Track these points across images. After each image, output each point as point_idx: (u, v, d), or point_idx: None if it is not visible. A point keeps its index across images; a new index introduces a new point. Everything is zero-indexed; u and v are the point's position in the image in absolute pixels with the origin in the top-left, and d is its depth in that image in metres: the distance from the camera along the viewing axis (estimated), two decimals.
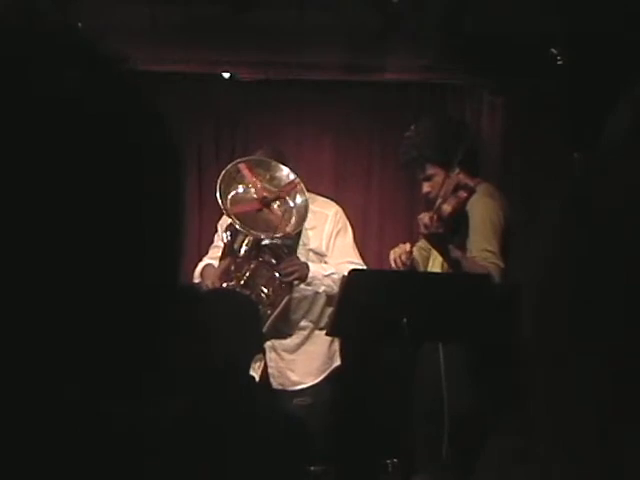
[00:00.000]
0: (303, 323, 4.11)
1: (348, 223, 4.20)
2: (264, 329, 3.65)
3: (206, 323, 2.56)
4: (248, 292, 3.83)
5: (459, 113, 5.04)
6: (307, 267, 3.98)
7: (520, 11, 4.15)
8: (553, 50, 4.28)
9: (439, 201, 3.75)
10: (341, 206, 4.35)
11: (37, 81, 0.63)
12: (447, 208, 3.72)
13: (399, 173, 4.99)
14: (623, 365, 0.64)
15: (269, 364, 4.04)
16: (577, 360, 0.67)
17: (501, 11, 4.22)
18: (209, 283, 3.88)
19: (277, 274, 3.93)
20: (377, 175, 5.20)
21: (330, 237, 4.12)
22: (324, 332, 4.00)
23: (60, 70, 0.64)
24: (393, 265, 3.77)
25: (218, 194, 3.80)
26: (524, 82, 4.46)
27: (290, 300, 4.01)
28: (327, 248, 4.11)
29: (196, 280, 4.05)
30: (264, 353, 3.84)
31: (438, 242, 3.67)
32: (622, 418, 0.65)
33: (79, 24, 3.86)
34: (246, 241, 3.89)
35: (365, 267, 4.13)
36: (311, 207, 3.97)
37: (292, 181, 3.92)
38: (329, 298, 4.06)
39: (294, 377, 4.10)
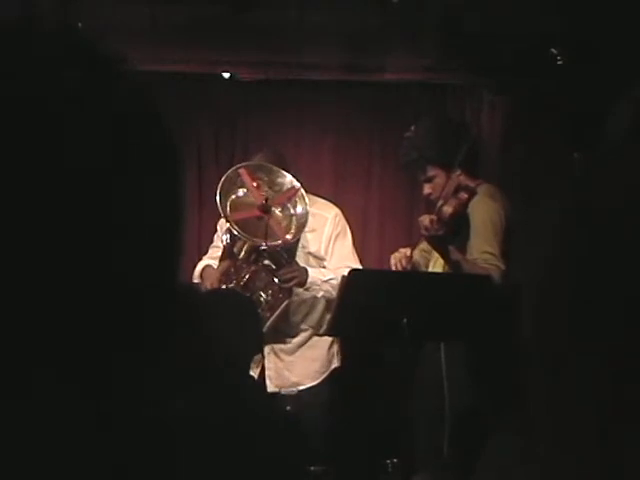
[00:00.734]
0: (302, 326, 4.11)
1: (347, 226, 4.19)
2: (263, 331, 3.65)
3: (206, 323, 2.56)
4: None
5: (459, 113, 5.04)
6: (306, 272, 3.97)
7: (520, 11, 4.15)
8: (553, 50, 4.28)
9: (440, 203, 3.75)
10: (341, 207, 4.35)
11: (37, 81, 0.63)
12: (448, 210, 3.72)
13: (399, 173, 4.99)
14: (623, 365, 0.64)
15: (267, 365, 4.03)
16: (577, 360, 0.67)
17: (501, 11, 4.22)
18: (208, 284, 3.87)
19: (276, 280, 3.92)
20: (377, 175, 5.19)
21: (329, 240, 4.10)
22: (323, 335, 4.01)
23: (60, 70, 0.64)
24: (394, 269, 3.78)
25: (218, 200, 3.78)
26: (524, 82, 4.46)
27: (289, 304, 4.00)
28: (326, 252, 4.10)
29: (195, 281, 4.04)
30: (262, 355, 3.85)
31: (439, 244, 3.66)
32: (622, 418, 0.65)
33: (79, 24, 3.86)
34: (246, 245, 3.88)
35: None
36: (311, 209, 3.96)
37: (293, 188, 3.90)
38: (328, 303, 4.05)
39: (292, 378, 4.09)
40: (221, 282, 3.86)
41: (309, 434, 3.83)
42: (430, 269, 3.92)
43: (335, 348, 4.18)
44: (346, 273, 3.91)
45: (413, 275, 3.75)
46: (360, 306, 3.47)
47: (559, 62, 4.29)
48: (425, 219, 3.66)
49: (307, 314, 4.09)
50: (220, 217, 4.11)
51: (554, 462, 0.68)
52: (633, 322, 0.63)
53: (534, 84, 4.42)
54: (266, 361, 4.01)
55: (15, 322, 0.61)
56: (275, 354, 4.07)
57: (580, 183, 0.71)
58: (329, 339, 4.09)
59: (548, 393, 0.70)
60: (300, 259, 4.03)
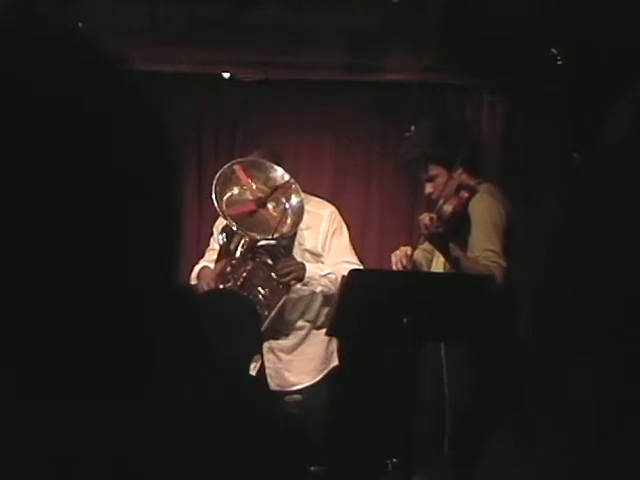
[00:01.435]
0: (300, 323, 4.11)
1: (343, 223, 4.20)
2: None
3: (206, 324, 2.56)
4: (245, 293, 3.83)
5: (459, 113, 5.04)
6: (304, 267, 3.98)
7: (520, 11, 4.15)
8: (553, 50, 4.28)
9: (441, 201, 3.75)
10: (341, 206, 4.35)
11: (37, 81, 0.62)
12: (448, 208, 3.72)
13: (399, 173, 4.99)
14: (623, 365, 0.64)
15: (266, 364, 4.04)
16: (577, 360, 0.67)
17: (501, 11, 4.22)
18: (205, 285, 3.87)
19: (274, 275, 3.92)
20: (377, 175, 5.19)
21: (326, 237, 4.11)
22: (322, 332, 4.01)
23: (59, 70, 0.64)
24: (394, 268, 3.77)
25: (213, 196, 3.81)
26: (524, 82, 4.46)
27: (287, 301, 4.01)
28: (323, 248, 4.11)
29: (193, 282, 4.04)
30: (261, 354, 3.85)
31: (439, 242, 3.66)
32: (622, 418, 0.65)
33: (79, 24, 3.86)
34: (242, 242, 3.89)
35: (362, 266, 4.11)
36: (306, 207, 3.97)
37: (287, 182, 3.92)
38: (326, 298, 4.06)
39: (291, 378, 4.10)
40: (218, 282, 3.86)
41: (309, 434, 3.83)
42: (432, 268, 3.92)
43: (334, 346, 4.18)
44: (344, 268, 3.93)
45: (413, 275, 3.75)
46: (360, 306, 3.47)
47: (559, 62, 4.28)
48: (425, 217, 3.66)
49: (304, 311, 4.10)
50: (216, 219, 4.11)
51: (554, 462, 0.68)
52: (633, 322, 0.63)
53: (534, 84, 4.42)
54: (265, 360, 4.01)
55: (13, 323, 0.61)
56: (273, 353, 4.07)
57: (580, 183, 0.71)
58: (326, 337, 4.09)
59: (548, 393, 0.70)
60: (297, 256, 4.04)
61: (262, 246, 3.91)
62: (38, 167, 0.61)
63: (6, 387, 0.61)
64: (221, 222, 3.98)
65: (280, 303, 3.96)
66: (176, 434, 0.68)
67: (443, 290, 3.49)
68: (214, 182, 3.85)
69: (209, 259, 4.11)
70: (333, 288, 3.98)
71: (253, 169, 3.94)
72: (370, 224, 5.16)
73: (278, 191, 3.90)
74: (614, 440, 0.64)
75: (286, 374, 4.09)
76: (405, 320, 3.37)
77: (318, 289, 4.03)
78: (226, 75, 4.97)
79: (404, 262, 3.72)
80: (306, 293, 4.04)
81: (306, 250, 4.08)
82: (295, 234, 4.03)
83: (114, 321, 0.64)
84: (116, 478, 0.64)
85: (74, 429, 0.62)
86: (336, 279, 3.97)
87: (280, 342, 4.08)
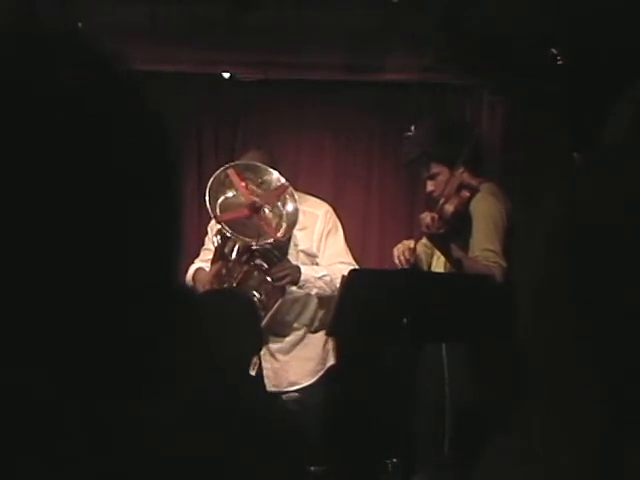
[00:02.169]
0: (296, 325, 4.10)
1: (339, 223, 4.17)
2: None
3: (206, 323, 2.56)
4: None
5: (459, 113, 5.04)
6: (299, 270, 3.96)
7: (520, 11, 4.15)
8: (553, 50, 4.28)
9: (442, 201, 3.75)
10: (341, 206, 4.34)
11: (36, 81, 0.62)
12: (449, 208, 3.72)
13: (399, 173, 4.99)
14: (623, 365, 0.64)
15: (264, 366, 4.03)
16: (577, 360, 0.67)
17: (501, 11, 4.22)
18: (200, 287, 3.86)
19: (269, 278, 3.91)
20: (377, 175, 5.19)
21: (321, 238, 4.09)
22: (319, 334, 4.01)
23: (59, 70, 0.64)
24: (397, 262, 3.76)
25: (207, 201, 3.78)
26: (524, 82, 4.46)
27: (282, 304, 3.99)
28: (318, 249, 4.08)
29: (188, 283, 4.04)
30: (259, 355, 3.84)
31: (440, 242, 3.66)
32: (622, 418, 0.65)
33: (79, 24, 3.86)
34: (237, 245, 3.88)
35: (358, 266, 4.08)
36: (301, 207, 3.96)
37: (282, 185, 3.89)
38: (322, 300, 4.05)
39: (289, 378, 4.08)
40: (213, 284, 3.85)
41: (309, 434, 3.83)
42: (432, 265, 3.91)
43: (330, 346, 4.17)
44: (339, 269, 3.92)
45: (414, 274, 3.74)
46: (360, 306, 3.47)
47: (559, 62, 4.29)
48: (426, 217, 3.66)
49: (300, 313, 4.09)
50: (211, 219, 4.10)
51: (554, 462, 0.68)
52: (633, 322, 0.63)
53: (534, 84, 4.42)
54: (262, 361, 4.01)
55: (13, 322, 0.61)
56: (271, 354, 4.06)
57: (580, 183, 0.71)
58: (323, 337, 4.09)
59: (548, 393, 0.70)
60: (292, 257, 4.03)
61: (257, 249, 3.89)
62: (36, 166, 0.61)
63: (6, 386, 0.61)
64: (216, 222, 3.96)
65: (276, 305, 3.95)
66: (176, 434, 0.68)
67: (443, 290, 3.49)
68: (208, 186, 3.83)
69: (204, 259, 4.10)
70: (328, 290, 3.98)
71: (247, 172, 3.92)
72: (370, 224, 5.16)
73: (272, 195, 3.88)
74: (614, 440, 0.64)
75: (283, 374, 4.08)
76: (405, 320, 3.37)
77: (314, 291, 4.01)
78: (226, 75, 4.97)
79: (407, 255, 3.71)
80: (301, 295, 4.03)
81: (301, 251, 4.06)
82: (291, 235, 4.02)
83: (113, 320, 0.64)
84: (116, 478, 0.64)
85: (73, 429, 0.62)
86: (331, 280, 3.97)
87: (277, 344, 4.07)
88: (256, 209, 3.83)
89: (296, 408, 3.86)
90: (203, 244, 4.30)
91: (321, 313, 4.08)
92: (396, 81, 5.01)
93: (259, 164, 3.94)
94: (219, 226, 3.86)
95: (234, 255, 3.88)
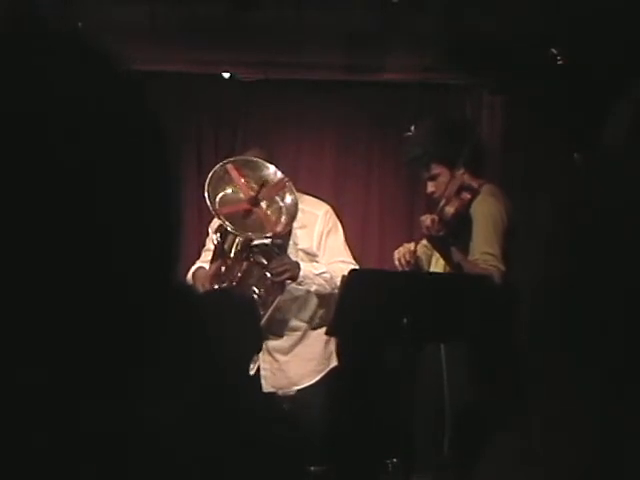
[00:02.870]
0: (296, 323, 4.08)
1: (338, 222, 4.16)
2: None
3: (205, 323, 2.56)
4: None
5: (459, 113, 5.04)
6: (298, 266, 3.95)
7: (520, 11, 4.15)
8: (553, 50, 4.28)
9: (442, 202, 3.74)
10: (341, 206, 4.33)
11: (36, 81, 0.62)
12: (450, 210, 3.72)
13: (399, 173, 4.99)
14: (623, 365, 0.64)
15: (262, 366, 4.02)
16: (577, 360, 0.67)
17: (501, 11, 4.22)
18: (200, 286, 3.86)
19: (268, 274, 3.90)
20: (377, 175, 5.19)
21: (321, 237, 4.08)
22: (319, 332, 4.00)
23: (60, 70, 0.64)
24: (397, 264, 3.77)
25: (206, 195, 3.78)
26: (524, 82, 4.46)
27: (282, 300, 3.99)
28: (318, 248, 4.07)
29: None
30: (258, 355, 3.83)
31: (440, 245, 3.66)
32: (621, 417, 0.65)
33: (79, 24, 3.86)
34: (236, 242, 3.87)
35: (358, 266, 4.06)
36: (301, 207, 3.95)
37: (281, 180, 3.89)
38: (322, 298, 4.04)
39: (289, 379, 4.07)
40: (212, 282, 3.85)
41: (309, 434, 3.82)
42: (432, 265, 3.91)
43: (332, 346, 4.17)
44: (340, 268, 3.92)
45: (414, 275, 3.74)
46: (360, 306, 3.47)
47: (559, 62, 4.29)
48: (427, 219, 3.66)
49: (299, 311, 4.08)
50: (212, 219, 4.10)
51: (554, 462, 0.68)
52: (632, 321, 0.63)
53: (534, 84, 4.42)
54: (261, 361, 4.00)
55: (10, 320, 0.61)
56: (269, 354, 4.05)
57: (580, 183, 0.71)
58: (324, 338, 4.08)
59: (548, 393, 0.70)
60: (291, 255, 4.01)
61: (256, 245, 3.89)
62: (35, 165, 0.61)
63: (5, 385, 0.61)
64: (216, 222, 3.96)
65: (275, 303, 3.95)
66: (176, 434, 0.68)
67: (443, 290, 3.49)
68: (207, 182, 3.83)
69: (204, 260, 4.10)
70: (328, 287, 3.97)
71: (246, 168, 3.91)
72: (370, 224, 5.16)
73: (271, 189, 3.87)
74: (614, 440, 0.64)
75: (282, 374, 4.06)
76: (405, 320, 3.37)
77: (313, 288, 4.00)
78: (226, 75, 4.97)
79: (407, 258, 3.72)
80: (301, 293, 4.03)
81: (301, 250, 4.06)
82: (290, 233, 4.02)
83: (112, 320, 0.64)
84: (116, 477, 0.64)
85: (72, 429, 0.62)
86: (331, 278, 3.96)
87: (276, 343, 4.06)
88: (255, 204, 3.82)
89: (292, 407, 3.85)
90: (204, 245, 4.30)
91: (321, 312, 4.08)
92: (396, 81, 5.01)
93: (258, 159, 3.94)
94: (218, 225, 3.86)
95: (233, 252, 3.88)
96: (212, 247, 4.02)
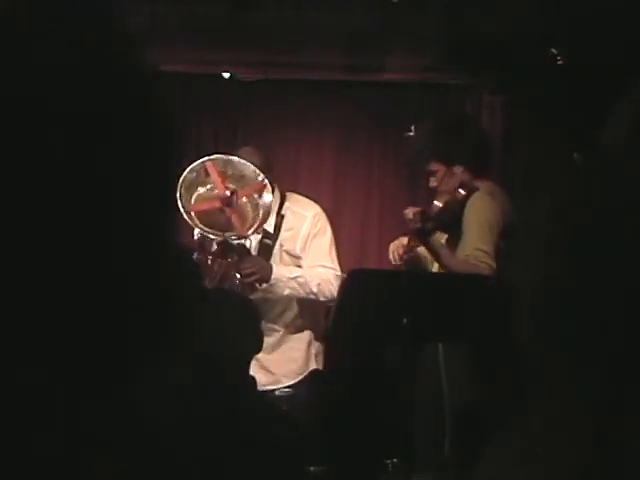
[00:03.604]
0: (276, 326, 4.01)
1: (328, 226, 4.05)
2: None
3: (205, 323, 2.56)
4: None
5: (459, 112, 5.04)
6: (270, 268, 3.86)
7: (520, 11, 4.15)
8: (553, 50, 4.28)
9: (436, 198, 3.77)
10: (341, 206, 4.32)
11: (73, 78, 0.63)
12: (437, 205, 3.73)
13: (399, 173, 5.00)
14: (623, 365, 0.64)
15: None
16: (576, 360, 0.67)
17: (501, 11, 4.22)
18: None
19: (238, 275, 3.83)
20: (377, 175, 5.20)
21: (306, 239, 3.98)
22: (300, 335, 3.98)
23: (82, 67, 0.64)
24: (391, 258, 3.78)
25: (178, 193, 3.62)
26: (524, 82, 4.46)
27: (263, 301, 3.90)
28: (302, 250, 3.97)
29: None
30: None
31: (421, 237, 3.65)
32: (621, 417, 0.65)
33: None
34: (214, 240, 3.83)
35: (339, 273, 3.96)
36: (292, 207, 3.92)
37: (259, 181, 3.82)
38: (304, 302, 3.94)
39: (269, 377, 3.99)
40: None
41: (309, 434, 3.82)
42: (434, 265, 3.91)
43: (314, 349, 4.07)
44: (318, 273, 3.87)
45: (413, 275, 3.74)
46: (360, 306, 3.47)
47: (559, 62, 4.28)
48: (409, 212, 3.66)
49: (282, 313, 4.01)
50: None
51: (554, 462, 0.68)
52: (632, 321, 0.63)
53: (534, 84, 4.42)
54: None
55: (17, 303, 0.61)
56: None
57: (580, 183, 0.71)
58: (306, 339, 4.03)
59: (548, 393, 0.70)
60: (276, 257, 3.96)
61: (231, 245, 3.83)
62: (47, 157, 0.61)
63: (6, 380, 0.61)
64: None
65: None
66: (175, 433, 0.68)
67: (443, 290, 3.48)
68: (181, 177, 3.62)
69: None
70: (302, 292, 3.88)
71: (226, 167, 3.86)
72: (370, 224, 5.16)
73: (248, 189, 3.81)
74: (614, 440, 0.64)
75: (264, 373, 3.95)
76: (405, 320, 3.37)
77: (285, 292, 3.90)
78: (226, 75, 4.98)
79: (400, 252, 3.72)
80: (274, 296, 3.93)
81: (285, 251, 3.98)
82: (278, 235, 3.97)
83: (111, 320, 0.64)
84: (116, 477, 0.64)
85: (71, 429, 0.62)
86: (305, 282, 3.88)
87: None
88: (228, 202, 3.76)
89: (290, 406, 3.84)
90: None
91: (305, 315, 4.00)
92: (396, 81, 5.01)
93: (240, 159, 3.87)
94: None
95: (214, 249, 3.84)
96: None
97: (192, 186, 3.76)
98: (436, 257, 3.65)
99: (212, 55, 4.86)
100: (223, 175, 3.81)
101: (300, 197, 4.09)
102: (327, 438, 4.10)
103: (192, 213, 3.69)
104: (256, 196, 3.81)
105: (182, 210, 3.63)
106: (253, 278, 3.83)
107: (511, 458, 0.73)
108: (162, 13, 4.48)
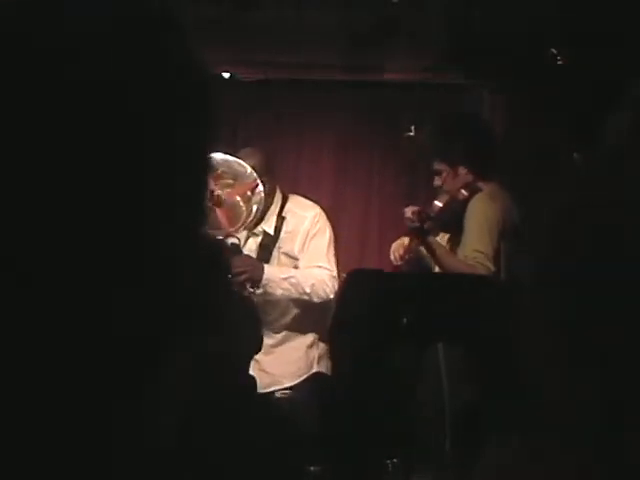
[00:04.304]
0: (277, 327, 4.00)
1: (328, 227, 4.02)
2: None
3: (206, 321, 2.56)
4: None
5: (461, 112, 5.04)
6: (261, 268, 3.83)
7: (520, 11, 4.15)
8: (553, 50, 4.28)
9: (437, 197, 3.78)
10: (341, 206, 4.32)
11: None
12: (437, 205, 3.74)
13: (399, 174, 5.00)
14: (623, 365, 0.64)
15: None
16: (577, 360, 0.67)
17: (501, 11, 4.22)
18: None
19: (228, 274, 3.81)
20: (377, 176, 5.20)
21: (305, 240, 3.95)
22: (301, 336, 3.97)
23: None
24: (392, 257, 3.78)
25: None
26: (524, 82, 4.46)
27: (264, 302, 3.89)
28: (300, 251, 3.94)
29: None
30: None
31: (422, 238, 3.65)
32: (621, 417, 0.65)
33: None
34: None
35: (335, 274, 3.93)
36: (291, 208, 3.92)
37: (250, 182, 3.81)
38: (302, 302, 3.91)
39: (268, 378, 3.97)
40: None
41: (309, 434, 3.81)
42: (431, 264, 3.91)
43: (316, 352, 4.05)
44: (314, 274, 3.85)
45: (414, 275, 3.75)
46: (360, 306, 3.47)
47: (559, 62, 4.28)
48: (408, 211, 3.67)
49: (282, 314, 3.99)
50: None
51: (554, 462, 0.68)
52: (633, 322, 0.63)
53: (534, 84, 4.42)
54: None
55: (29, 293, 0.61)
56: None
57: (580, 183, 0.71)
58: (307, 342, 4.02)
59: (548, 393, 0.70)
60: (274, 258, 3.95)
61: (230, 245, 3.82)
62: (74, 144, 0.61)
63: (13, 377, 0.61)
64: None
65: None
66: (176, 434, 0.68)
67: (443, 290, 3.49)
68: None
69: None
70: (295, 292, 3.85)
71: (218, 165, 3.84)
72: (370, 224, 5.16)
73: (238, 189, 3.80)
74: (614, 439, 0.64)
75: (262, 375, 3.93)
76: (405, 320, 3.37)
77: (278, 292, 3.86)
78: (226, 75, 4.97)
79: (401, 252, 3.73)
80: (268, 296, 3.88)
81: (282, 252, 3.95)
82: (278, 236, 3.96)
83: (116, 319, 0.64)
84: (116, 477, 0.64)
85: (70, 428, 0.62)
86: (298, 283, 3.84)
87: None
88: (217, 202, 3.75)
89: (290, 407, 3.83)
90: None
91: (307, 314, 3.98)
92: (396, 81, 5.01)
93: (234, 159, 3.86)
94: None
95: None
96: None
97: None
98: (433, 256, 3.66)
99: (212, 55, 4.85)
100: (217, 174, 3.80)
101: (301, 199, 4.08)
102: (327, 438, 4.09)
103: None
104: (249, 195, 3.79)
105: None
106: (243, 277, 3.79)
107: (511, 458, 0.73)
108: None
